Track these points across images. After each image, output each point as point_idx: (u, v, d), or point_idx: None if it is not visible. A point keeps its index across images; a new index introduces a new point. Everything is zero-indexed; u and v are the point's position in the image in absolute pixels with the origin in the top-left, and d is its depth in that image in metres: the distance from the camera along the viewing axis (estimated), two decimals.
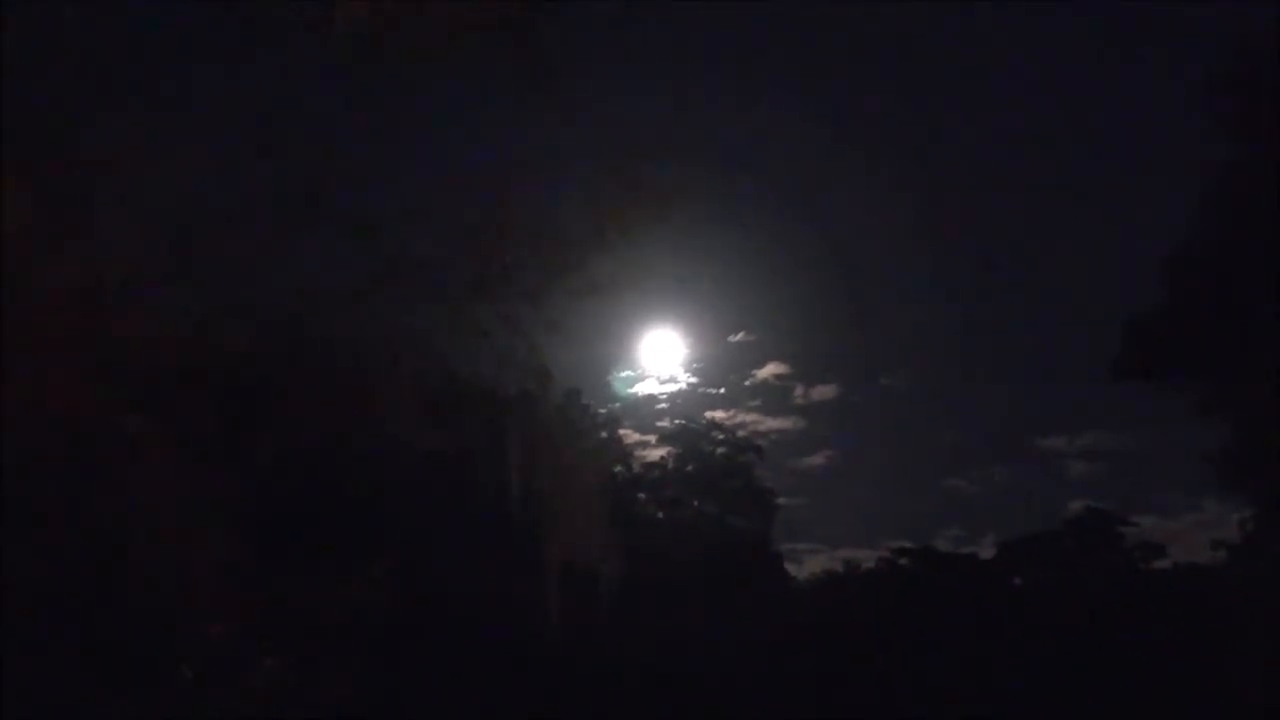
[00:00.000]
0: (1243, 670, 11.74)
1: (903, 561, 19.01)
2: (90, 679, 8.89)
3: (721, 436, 19.00)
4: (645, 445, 18.30)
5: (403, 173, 11.62)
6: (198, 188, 9.73)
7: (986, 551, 19.45)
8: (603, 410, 16.59)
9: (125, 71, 9.13)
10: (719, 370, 22.03)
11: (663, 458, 18.47)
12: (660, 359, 18.70)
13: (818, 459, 23.39)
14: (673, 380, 19.35)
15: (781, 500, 19.20)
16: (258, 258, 10.39)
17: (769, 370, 22.97)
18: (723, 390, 21.76)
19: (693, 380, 19.89)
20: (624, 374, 17.55)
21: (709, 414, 19.66)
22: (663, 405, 19.19)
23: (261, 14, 9.05)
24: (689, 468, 18.38)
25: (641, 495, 17.45)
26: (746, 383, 22.68)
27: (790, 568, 19.15)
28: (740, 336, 22.65)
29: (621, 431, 17.49)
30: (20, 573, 8.07)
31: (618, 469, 16.37)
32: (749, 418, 21.14)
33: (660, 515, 17.50)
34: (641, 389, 18.70)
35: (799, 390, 23.45)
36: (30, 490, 8.07)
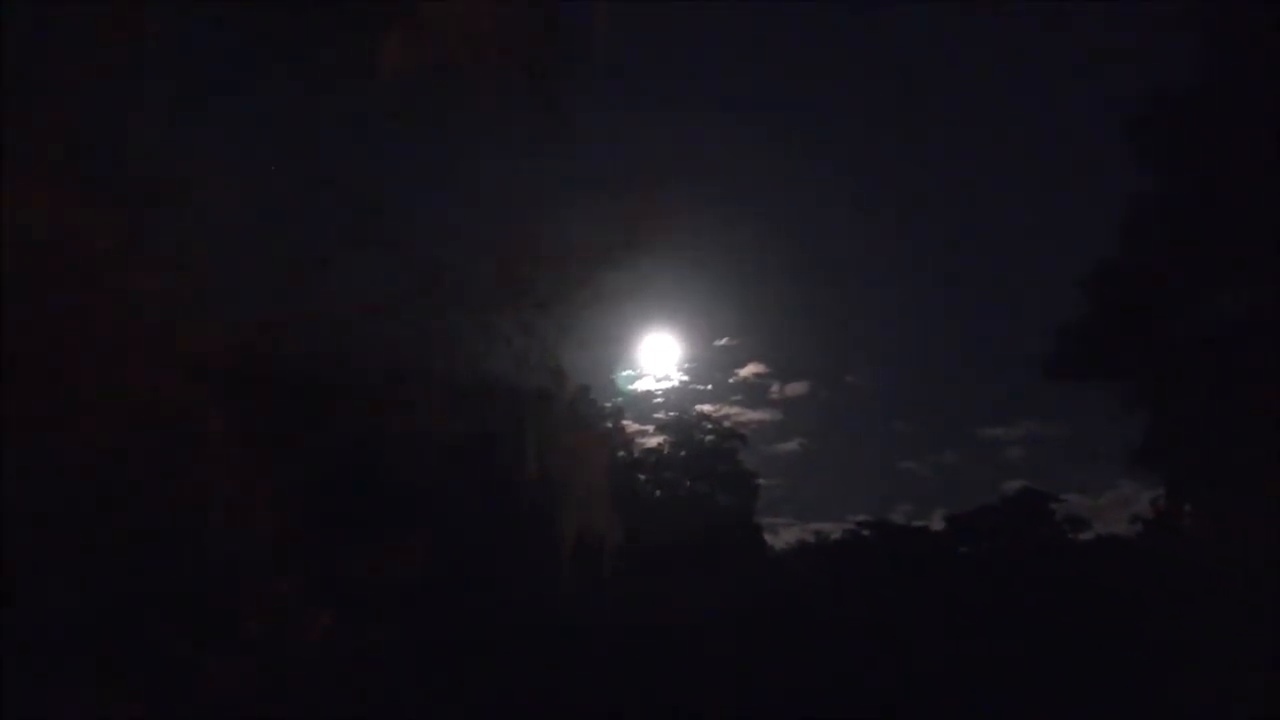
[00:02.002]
0: (1154, 624, 11.78)
1: (864, 533, 18.98)
2: (173, 632, 8.92)
3: (710, 426, 18.97)
4: (644, 434, 18.27)
5: (436, 198, 11.63)
6: (263, 213, 9.75)
7: (936, 524, 19.38)
8: (607, 404, 16.57)
9: (204, 110, 9.16)
10: (707, 369, 21.95)
11: (659, 445, 18.44)
12: (657, 360, 18.66)
13: (792, 446, 23.36)
14: (667, 378, 19.30)
15: (761, 481, 19.14)
16: (313, 273, 10.41)
17: (749, 370, 22.89)
18: (710, 387, 21.66)
19: (684, 378, 19.82)
20: (625, 373, 17.51)
21: (699, 407, 19.61)
22: (659, 400, 19.14)
23: (316, 60, 9.07)
24: (682, 453, 18.37)
25: (641, 476, 17.44)
26: (730, 380, 22.61)
27: (768, 538, 19.12)
28: (725, 341, 22.57)
29: (624, 422, 17.47)
30: (113, 543, 8.09)
31: (621, 454, 16.34)
32: (733, 410, 21.08)
33: (658, 493, 17.50)
34: (640, 386, 18.65)
35: (775, 387, 23.39)
36: (122, 474, 8.09)
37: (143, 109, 8.64)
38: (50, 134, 7.91)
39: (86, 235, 7.79)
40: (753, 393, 23.37)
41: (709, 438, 18.50)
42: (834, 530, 19.45)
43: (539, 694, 11.94)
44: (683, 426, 18.61)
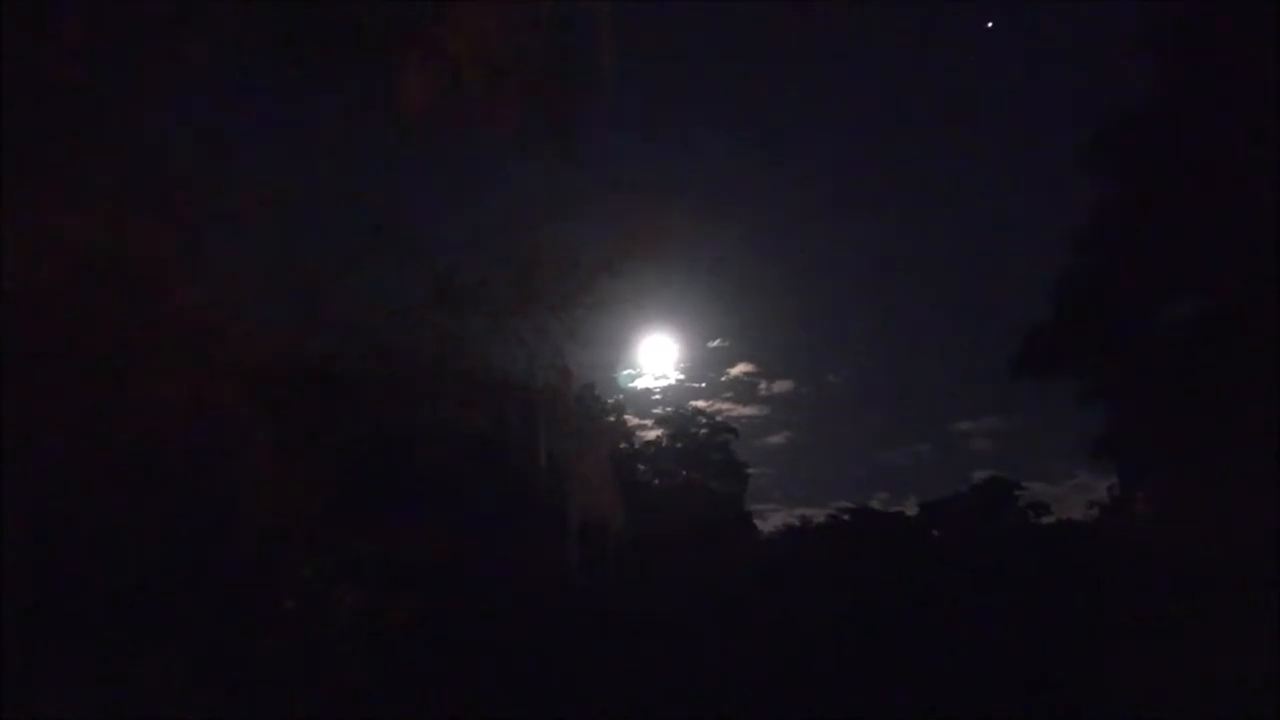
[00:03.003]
0: (1109, 600, 11.80)
1: (845, 518, 18.99)
2: (216, 606, 8.95)
3: (704, 421, 18.98)
4: (644, 427, 18.28)
5: (454, 213, 11.63)
6: (295, 226, 9.75)
7: (911, 510, 19.39)
8: (610, 400, 16.56)
9: (243, 133, 9.18)
10: (701, 369, 21.97)
11: (658, 437, 18.45)
12: (655, 360, 18.64)
13: (778, 438, 23.40)
14: (665, 377, 19.30)
15: (750, 470, 19.18)
16: (341, 280, 10.42)
17: (740, 369, 22.91)
18: (704, 384, 21.67)
19: (680, 377, 19.83)
20: (626, 372, 17.48)
21: (694, 403, 19.63)
22: (657, 396, 19.15)
23: (346, 87, 9.08)
24: (679, 445, 18.37)
25: (641, 466, 17.45)
26: (722, 379, 22.64)
27: (757, 522, 19.14)
28: (717, 342, 22.58)
29: (625, 417, 17.47)
30: (155, 526, 8.12)
31: (623, 446, 16.35)
32: (724, 406, 21.10)
33: (656, 482, 17.50)
34: (640, 384, 18.64)
35: (763, 385, 23.42)
36: (169, 463, 8.11)
37: (188, 132, 8.67)
38: (103, 154, 7.95)
39: (136, 248, 7.82)
40: (743, 390, 23.39)
41: (703, 431, 18.51)
42: (817, 515, 19.46)
43: (549, 662, 11.97)
44: (679, 420, 18.62)
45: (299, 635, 9.68)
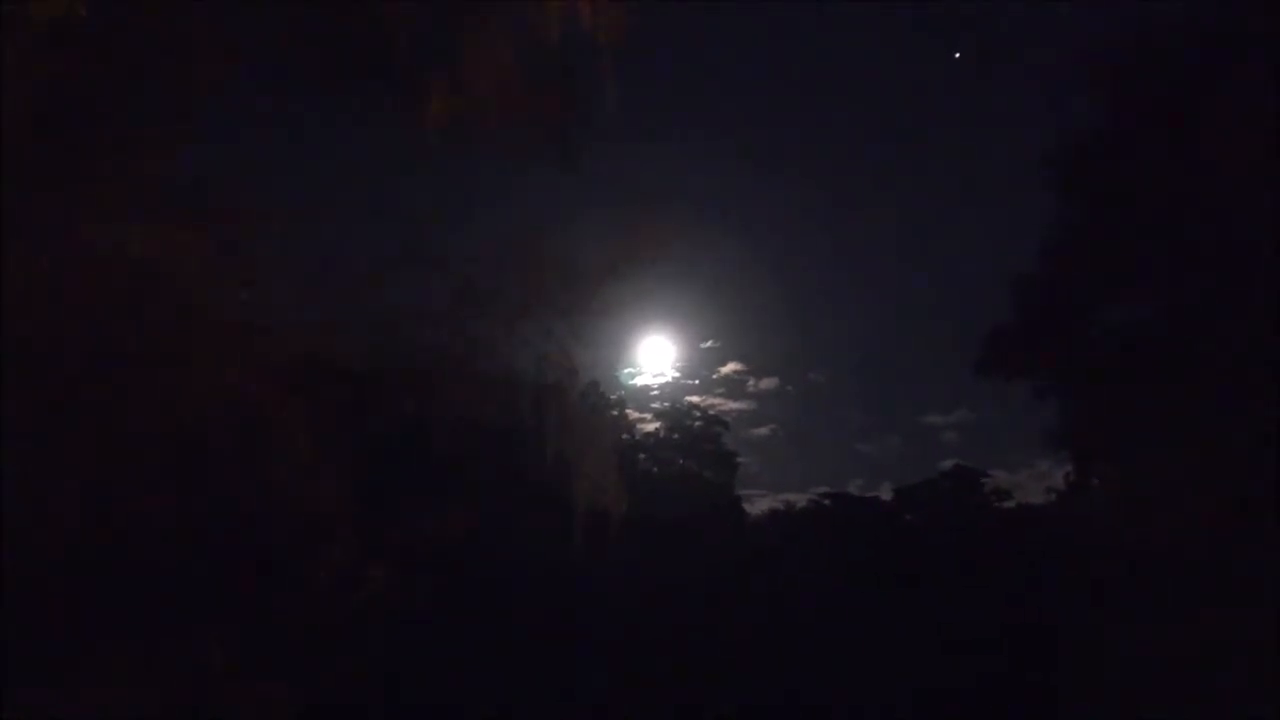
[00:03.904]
0: (1063, 574, 11.96)
1: (825, 502, 19.13)
2: (255, 584, 9.02)
3: (698, 415, 19.10)
4: (643, 421, 18.39)
5: (470, 224, 11.75)
6: (327, 237, 9.87)
7: (885, 495, 19.53)
8: (613, 396, 16.66)
9: (280, 156, 9.28)
10: (695, 367, 22.10)
11: (656, 429, 18.56)
12: (653, 360, 18.79)
13: (765, 430, 23.57)
14: (662, 374, 19.43)
15: (740, 459, 19.27)
16: (369, 287, 10.52)
17: (730, 367, 23.08)
18: (697, 382, 21.80)
19: (676, 375, 19.96)
20: (627, 370, 17.64)
21: (688, 399, 19.73)
22: (655, 393, 19.26)
23: (373, 110, 9.20)
24: (675, 437, 18.48)
25: (641, 456, 17.56)
26: (714, 376, 22.78)
27: (746, 506, 19.25)
28: (710, 343, 22.71)
29: (626, 411, 17.58)
30: (206, 511, 8.20)
31: (624, 437, 16.45)
32: (716, 401, 21.22)
33: (655, 470, 17.62)
34: (640, 381, 18.78)
35: (751, 382, 23.59)
36: (212, 454, 8.19)
37: (235, 154, 8.78)
38: (150, 169, 8.04)
39: (183, 256, 7.91)
40: (733, 387, 23.57)
41: (697, 424, 18.64)
42: (800, 500, 19.63)
43: (558, 632, 12.06)
44: (675, 415, 18.75)
45: (331, 609, 9.75)
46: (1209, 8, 10.26)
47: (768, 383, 24.12)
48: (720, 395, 22.33)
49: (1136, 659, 9.35)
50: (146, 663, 7.65)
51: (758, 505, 19.98)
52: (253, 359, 8.57)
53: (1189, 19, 10.32)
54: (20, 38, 6.36)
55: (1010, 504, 18.10)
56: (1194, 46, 9.96)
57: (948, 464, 19.47)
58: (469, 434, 11.53)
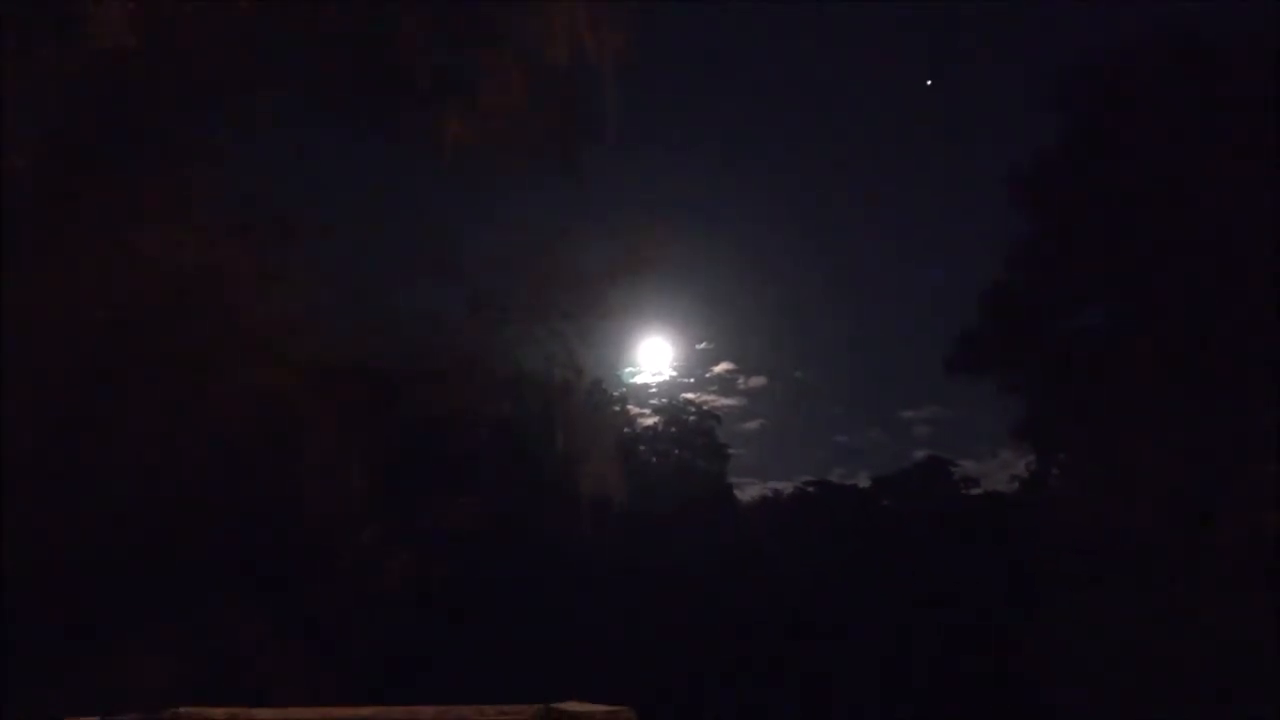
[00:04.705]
0: (1026, 555, 12.07)
1: (809, 490, 19.20)
2: (289, 565, 9.07)
3: (692, 410, 19.14)
4: (643, 416, 18.45)
5: (486, 236, 11.80)
6: (355, 249, 9.90)
7: (863, 483, 19.60)
8: (615, 393, 16.72)
9: (311, 174, 9.32)
10: (690, 366, 22.15)
11: (654, 424, 18.60)
12: (652, 359, 18.88)
13: (754, 424, 23.68)
14: (660, 373, 19.50)
15: (731, 451, 19.33)
16: (393, 293, 10.58)
17: (722, 367, 23.16)
18: (692, 380, 21.85)
19: (673, 373, 20.00)
20: (628, 369, 17.71)
21: (684, 395, 19.80)
22: (654, 390, 19.29)
23: (396, 133, 9.25)
24: (672, 430, 18.54)
25: (641, 448, 17.64)
26: (707, 375, 22.86)
27: (737, 494, 19.30)
28: (704, 345, 22.77)
29: (628, 407, 17.66)
30: (245, 496, 8.25)
31: (625, 431, 16.52)
32: (709, 398, 21.27)
33: (653, 460, 17.70)
34: (640, 379, 18.84)
35: (741, 380, 23.67)
36: (251, 446, 8.24)
37: (267, 167, 8.81)
38: (195, 184, 8.08)
39: (225, 264, 7.96)
40: (724, 384, 23.67)
41: (691, 418, 18.71)
42: (786, 487, 19.72)
43: (563, 610, 12.12)
44: (672, 410, 18.81)
45: (357, 587, 9.82)
46: (1159, 38, 10.39)
47: (756, 381, 24.26)
48: (713, 392, 22.44)
49: (1091, 626, 9.49)
50: (189, 635, 7.71)
51: (748, 492, 20.06)
52: (286, 360, 8.62)
53: (1141, 50, 10.45)
54: (79, 61, 6.41)
55: (978, 491, 18.20)
56: (1146, 77, 10.07)
57: (921, 455, 19.52)
58: (483, 428, 11.58)
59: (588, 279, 11.08)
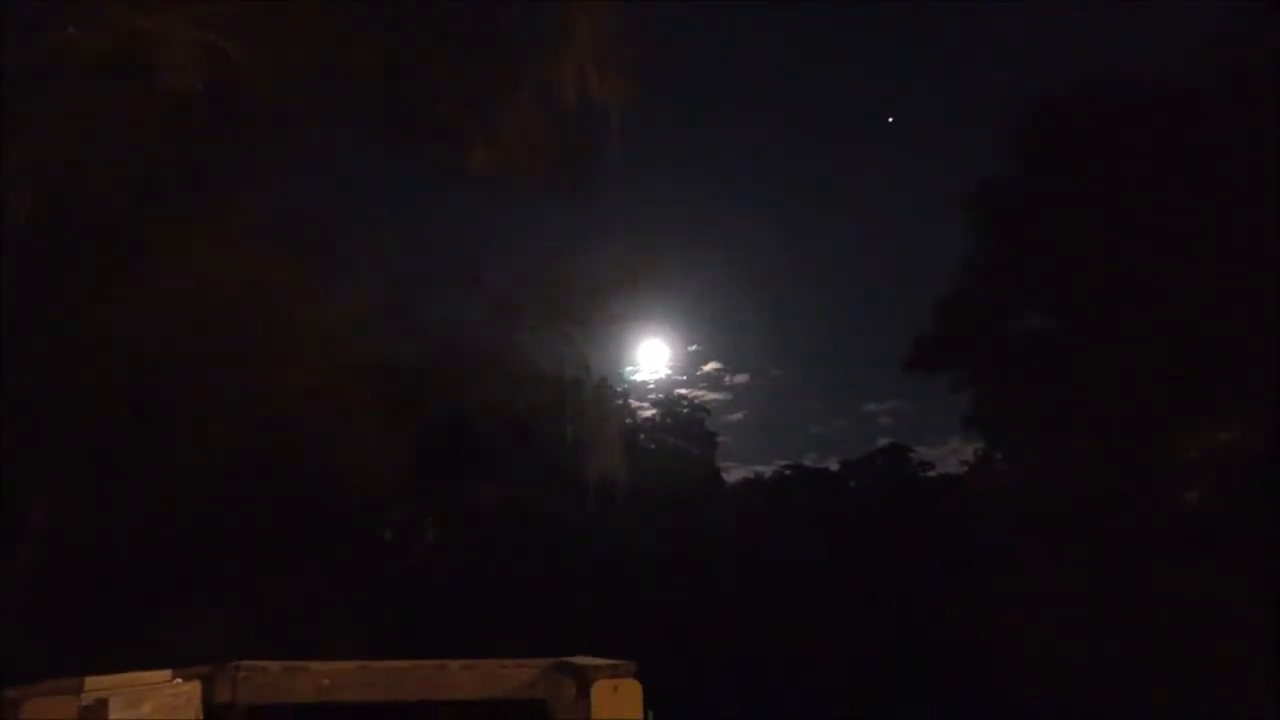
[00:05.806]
0: (974, 530, 12.17)
1: (786, 472, 19.37)
2: (333, 541, 9.11)
3: (685, 404, 19.31)
4: (642, 408, 18.61)
5: (505, 252, 11.86)
6: (390, 263, 9.97)
7: (834, 466, 19.78)
8: (618, 389, 16.82)
9: (353, 193, 9.35)
10: (683, 365, 22.32)
11: (652, 415, 18.77)
12: (651, 359, 19.05)
13: (738, 416, 23.87)
14: (657, 371, 19.65)
15: (719, 439, 19.52)
16: (425, 303, 10.65)
17: (710, 366, 23.35)
18: (685, 377, 22.03)
19: (669, 371, 20.18)
20: (630, 368, 17.87)
21: (678, 391, 19.97)
22: (652, 386, 19.47)
23: (427, 160, 9.30)
24: (668, 421, 18.69)
25: (640, 436, 17.76)
26: (698, 373, 23.05)
27: (724, 476, 19.47)
28: (695, 347, 22.95)
29: (629, 401, 17.79)
30: (287, 481, 8.30)
31: (627, 422, 16.61)
32: (700, 393, 21.44)
33: (652, 447, 17.82)
34: (640, 377, 19.01)
35: (727, 378, 23.86)
36: (302, 436, 8.30)
37: (313, 190, 8.86)
38: (249, 205, 8.14)
39: (276, 275, 8.02)
40: (713, 381, 23.86)
41: (685, 411, 18.87)
42: (766, 470, 19.92)
43: (573, 583, 12.18)
44: (667, 404, 18.99)
45: (394, 561, 9.88)
46: (1099, 69, 10.47)
47: (740, 378, 24.47)
48: (703, 388, 22.65)
49: (1028, 590, 9.60)
50: (248, 600, 7.78)
51: (733, 475, 20.24)
52: (330, 360, 8.68)
53: (1082, 80, 10.55)
54: (149, 104, 6.47)
55: (933, 474, 18.39)
56: (1086, 107, 10.14)
57: (883, 442, 19.72)
58: (502, 420, 11.65)
59: (594, 289, 11.18)
